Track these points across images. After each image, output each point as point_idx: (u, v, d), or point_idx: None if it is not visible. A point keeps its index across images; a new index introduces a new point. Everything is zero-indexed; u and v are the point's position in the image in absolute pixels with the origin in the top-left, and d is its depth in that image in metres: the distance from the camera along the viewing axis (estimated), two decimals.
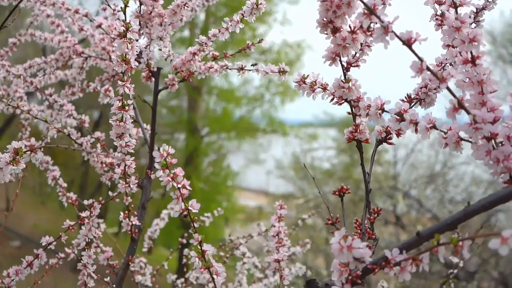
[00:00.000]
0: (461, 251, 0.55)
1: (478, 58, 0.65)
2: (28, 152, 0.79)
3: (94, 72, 1.56)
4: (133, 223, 1.13)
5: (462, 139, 0.65)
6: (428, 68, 0.60)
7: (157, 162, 0.74)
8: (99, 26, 1.22)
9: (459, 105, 0.62)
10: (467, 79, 0.66)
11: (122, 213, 1.12)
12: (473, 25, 0.84)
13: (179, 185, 0.75)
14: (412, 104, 0.82)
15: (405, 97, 0.83)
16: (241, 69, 1.11)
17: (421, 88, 0.82)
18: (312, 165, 9.01)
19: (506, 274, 5.57)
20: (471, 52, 0.64)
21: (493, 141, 0.62)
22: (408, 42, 0.60)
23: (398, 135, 0.81)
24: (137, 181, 1.07)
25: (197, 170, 10.10)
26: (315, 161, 9.37)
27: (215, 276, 0.78)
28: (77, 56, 1.37)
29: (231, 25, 1.05)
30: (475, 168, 6.82)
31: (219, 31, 1.06)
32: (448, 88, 0.62)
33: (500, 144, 0.63)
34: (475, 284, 4.96)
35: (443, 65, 0.82)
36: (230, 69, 1.14)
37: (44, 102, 1.37)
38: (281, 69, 1.03)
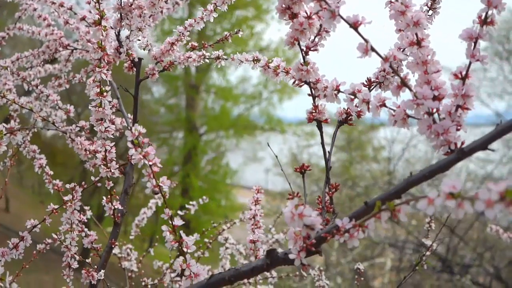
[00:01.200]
0: (399, 215, 0.59)
1: (422, 40, 0.69)
2: (8, 134, 0.83)
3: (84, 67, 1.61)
4: (116, 207, 1.17)
5: (408, 116, 0.69)
6: (372, 49, 0.65)
7: (129, 141, 0.78)
8: (83, 19, 1.27)
9: (402, 83, 0.66)
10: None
11: (104, 198, 1.16)
12: (430, 12, 0.89)
13: (151, 163, 0.80)
14: (372, 87, 0.87)
15: (365, 80, 0.87)
16: (217, 58, 1.16)
17: (380, 71, 0.86)
18: (309, 162, 9.05)
19: (501, 268, 5.62)
20: (416, 34, 0.69)
21: (436, 116, 0.67)
22: (354, 25, 0.65)
23: (358, 116, 0.85)
24: (118, 166, 1.11)
25: (196, 168, 10.15)
26: (312, 158, 9.42)
27: (185, 249, 0.82)
28: (63, 49, 1.42)
29: (205, 15, 1.10)
30: (469, 163, 6.87)
31: (195, 21, 1.11)
32: (391, 67, 0.66)
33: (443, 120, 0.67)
34: (468, 277, 5.01)
35: (401, 49, 0.87)
36: (208, 59, 1.19)
37: (32, 93, 1.42)
38: (255, 58, 1.08)
